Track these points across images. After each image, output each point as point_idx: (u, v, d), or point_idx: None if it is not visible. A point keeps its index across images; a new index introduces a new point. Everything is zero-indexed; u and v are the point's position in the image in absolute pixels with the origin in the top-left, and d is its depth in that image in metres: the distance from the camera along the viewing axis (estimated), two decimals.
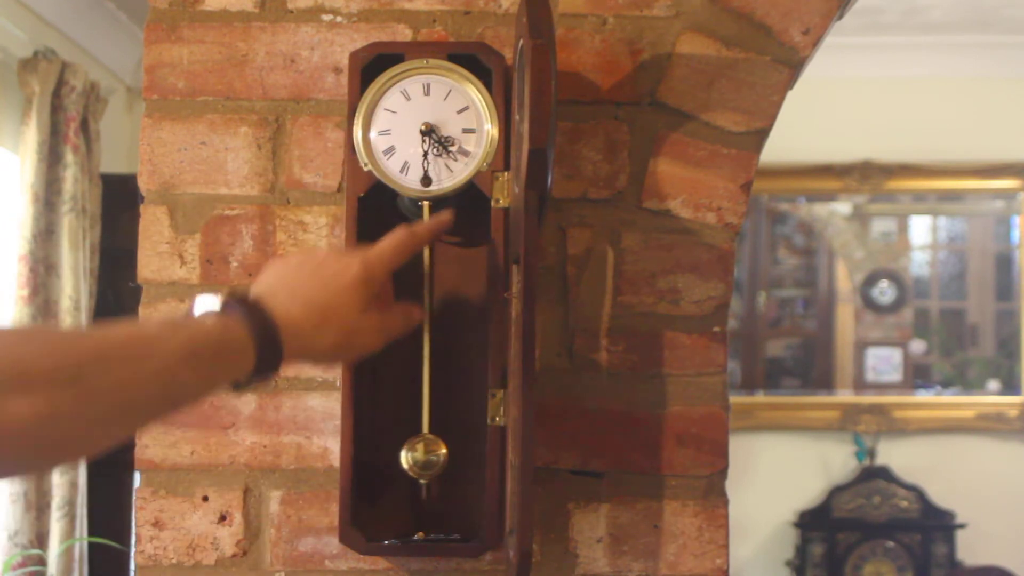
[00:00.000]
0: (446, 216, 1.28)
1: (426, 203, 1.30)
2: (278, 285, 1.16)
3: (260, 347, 1.08)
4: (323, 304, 1.15)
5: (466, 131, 1.32)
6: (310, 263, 1.19)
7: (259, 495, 1.38)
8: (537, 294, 1.27)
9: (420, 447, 1.30)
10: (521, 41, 1.25)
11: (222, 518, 1.38)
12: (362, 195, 1.32)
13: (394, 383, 1.34)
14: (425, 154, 1.31)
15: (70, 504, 3.67)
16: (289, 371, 1.39)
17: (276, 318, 1.11)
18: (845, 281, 5.57)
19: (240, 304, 1.10)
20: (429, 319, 1.32)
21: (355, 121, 1.32)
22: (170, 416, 1.11)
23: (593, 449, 1.38)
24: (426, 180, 1.31)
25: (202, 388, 1.06)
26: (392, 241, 1.23)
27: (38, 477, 3.38)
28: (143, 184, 1.42)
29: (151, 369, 0.99)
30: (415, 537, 1.33)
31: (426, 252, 1.31)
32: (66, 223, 3.91)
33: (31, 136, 3.81)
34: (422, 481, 1.31)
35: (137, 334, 1.01)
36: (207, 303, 1.10)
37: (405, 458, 1.30)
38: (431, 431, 1.31)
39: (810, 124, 4.74)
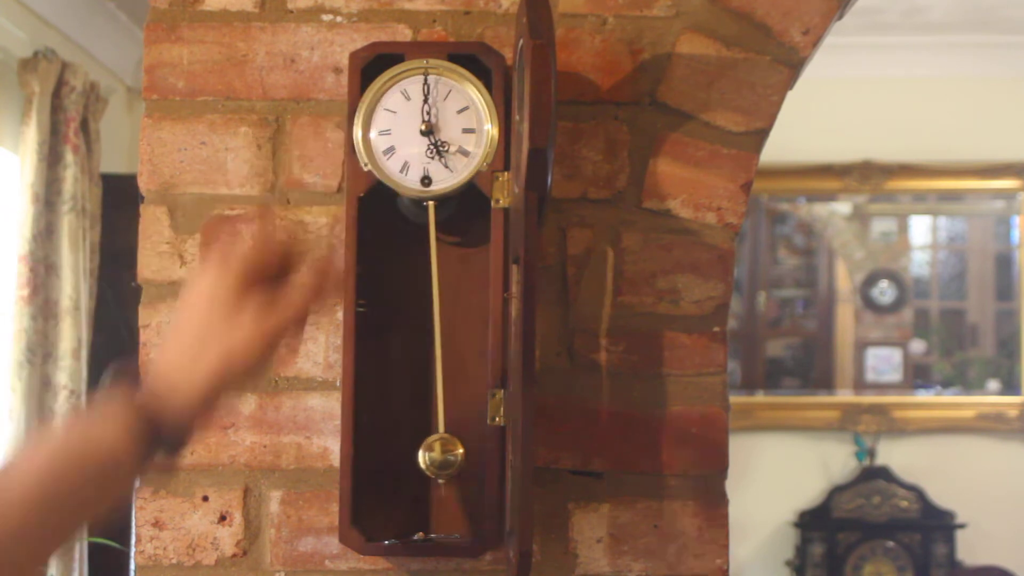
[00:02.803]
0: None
1: (431, 203, 1.30)
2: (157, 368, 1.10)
3: (135, 432, 1.01)
4: (182, 342, 1.07)
5: (466, 131, 1.32)
6: (175, 320, 1.14)
7: (259, 495, 1.38)
8: (537, 294, 1.27)
9: (437, 447, 1.30)
10: (521, 41, 1.25)
11: (222, 518, 1.38)
12: (362, 195, 1.32)
13: (394, 383, 1.34)
14: (427, 153, 1.30)
15: None
16: (289, 371, 1.39)
17: (153, 386, 1.05)
18: (845, 281, 5.57)
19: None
20: (430, 318, 1.32)
21: (355, 121, 1.32)
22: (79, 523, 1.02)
23: (593, 449, 1.38)
24: (426, 180, 1.31)
25: (85, 487, 0.99)
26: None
27: None
28: (143, 184, 1.42)
29: (18, 492, 0.96)
30: (415, 537, 1.33)
31: (433, 252, 1.31)
32: (66, 223, 3.91)
33: (31, 136, 3.81)
34: (440, 481, 1.31)
35: (13, 457, 0.99)
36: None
37: (423, 458, 1.30)
38: (429, 431, 1.31)
39: (810, 124, 4.74)
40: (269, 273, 1.09)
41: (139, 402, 1.03)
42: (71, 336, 3.92)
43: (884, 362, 5.49)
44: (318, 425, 1.38)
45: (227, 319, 1.07)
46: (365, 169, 1.31)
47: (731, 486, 1.39)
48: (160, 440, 1.02)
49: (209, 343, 1.06)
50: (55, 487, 0.97)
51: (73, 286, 3.91)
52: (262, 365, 1.09)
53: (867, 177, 5.27)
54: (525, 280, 1.18)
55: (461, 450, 1.29)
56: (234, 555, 1.38)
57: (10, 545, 0.95)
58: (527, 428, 1.18)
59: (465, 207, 1.34)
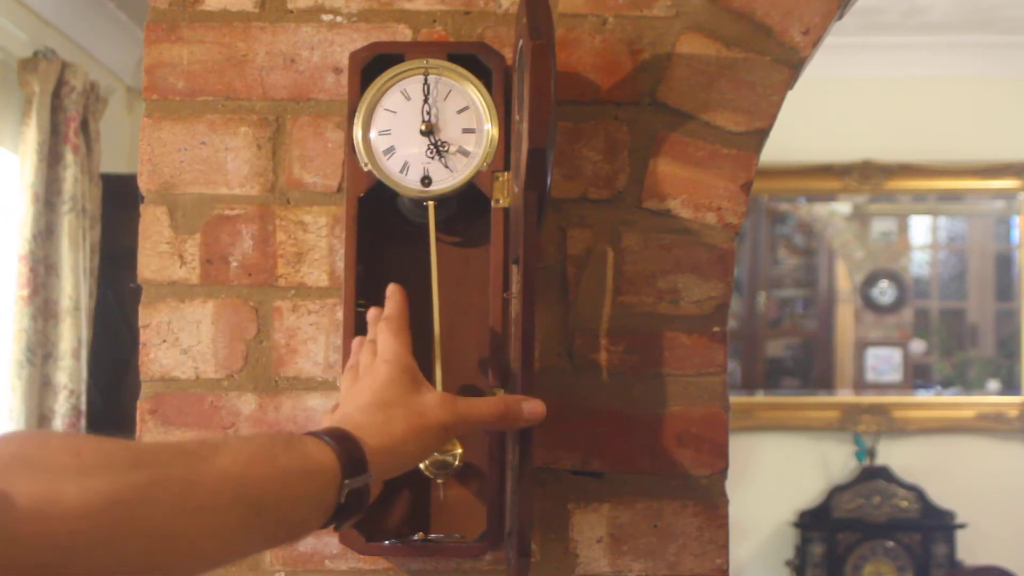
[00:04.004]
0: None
1: (431, 203, 1.30)
2: (334, 418, 1.13)
3: (333, 444, 1.02)
4: (376, 401, 1.11)
5: (466, 131, 1.32)
6: (348, 395, 1.18)
7: None
8: (537, 294, 1.27)
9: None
10: (521, 41, 1.25)
11: None
12: (362, 195, 1.32)
13: None
14: (427, 153, 1.30)
15: None
16: (289, 371, 1.39)
17: (339, 422, 1.08)
18: (845, 281, 5.57)
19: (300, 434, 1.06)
20: (429, 318, 1.32)
21: (355, 121, 1.32)
22: (255, 537, 0.97)
23: (593, 449, 1.38)
24: (426, 180, 1.31)
25: (282, 494, 0.97)
26: (389, 328, 1.19)
27: None
28: (143, 184, 1.42)
29: (218, 466, 0.92)
30: (415, 537, 1.33)
31: (433, 252, 1.31)
32: (66, 223, 3.91)
33: (31, 136, 3.81)
34: (439, 481, 1.31)
35: (203, 440, 0.98)
36: None
37: None
38: None
39: (810, 124, 4.74)
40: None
41: (344, 439, 1.04)
42: (71, 336, 3.92)
43: (884, 362, 5.49)
44: (318, 425, 1.38)
45: (408, 386, 1.13)
46: (365, 169, 1.31)
47: (731, 486, 1.39)
48: (359, 472, 1.03)
49: (396, 401, 1.11)
50: (254, 492, 0.95)
51: (73, 286, 3.92)
52: (448, 436, 1.15)
53: (867, 177, 5.27)
54: (525, 280, 1.18)
55: (460, 450, 1.29)
56: None
57: (200, 541, 0.91)
58: (526, 428, 1.18)
59: (465, 207, 1.34)
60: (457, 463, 1.29)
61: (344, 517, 1.03)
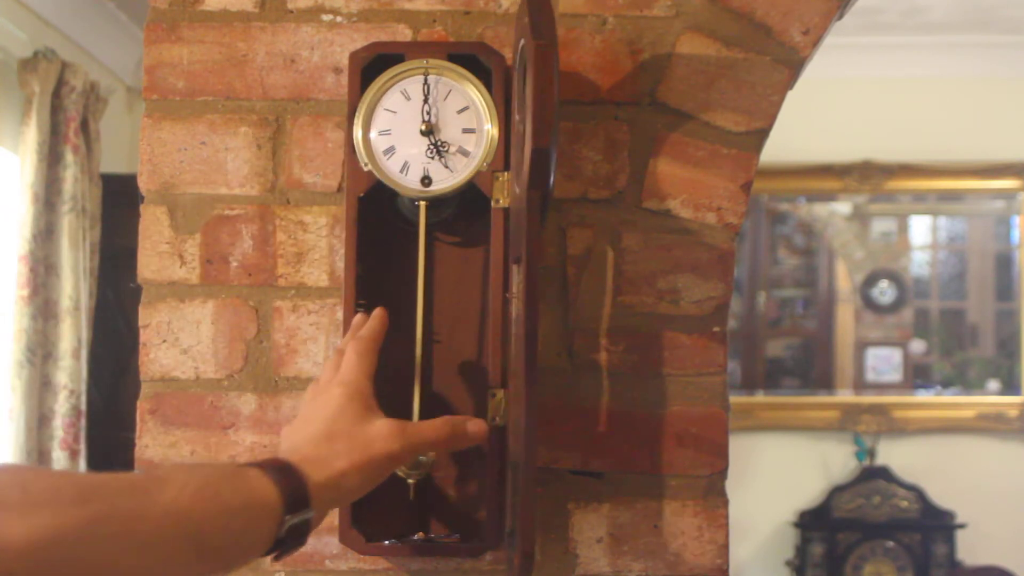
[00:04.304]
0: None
1: (422, 203, 1.30)
2: (282, 444, 1.15)
3: (277, 479, 1.03)
4: (324, 432, 1.12)
5: (466, 131, 1.32)
6: (303, 414, 1.18)
7: None
8: (539, 294, 1.27)
9: None
10: (522, 41, 1.25)
11: None
12: (362, 195, 1.32)
13: (395, 383, 1.34)
14: (427, 153, 1.30)
15: None
16: (289, 371, 1.39)
17: (288, 455, 1.08)
18: (845, 281, 5.57)
19: (248, 463, 1.06)
20: (426, 319, 1.32)
21: (355, 121, 1.32)
22: (196, 570, 0.98)
23: (593, 449, 1.38)
24: (426, 180, 1.31)
25: (224, 528, 0.98)
26: (355, 349, 1.20)
27: None
28: (143, 184, 1.42)
29: (162, 500, 0.93)
30: (415, 537, 1.33)
31: (421, 252, 1.31)
32: (66, 223, 3.91)
33: (31, 136, 3.81)
34: (410, 481, 1.31)
35: (149, 472, 0.99)
36: None
37: None
38: None
39: (810, 124, 4.74)
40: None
41: (289, 475, 1.04)
42: (71, 336, 3.92)
43: (884, 362, 5.49)
44: None
45: (358, 414, 1.13)
46: (365, 169, 1.31)
47: (731, 486, 1.39)
48: (301, 510, 1.03)
49: (343, 431, 1.11)
50: (197, 526, 0.95)
51: (73, 286, 3.92)
52: (396, 465, 1.16)
53: (867, 177, 5.27)
54: (527, 280, 1.18)
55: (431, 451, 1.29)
56: None
57: (144, 549, 0.92)
58: (530, 429, 1.18)
59: (465, 207, 1.34)
60: (428, 460, 1.29)
61: (285, 549, 1.05)
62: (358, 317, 1.28)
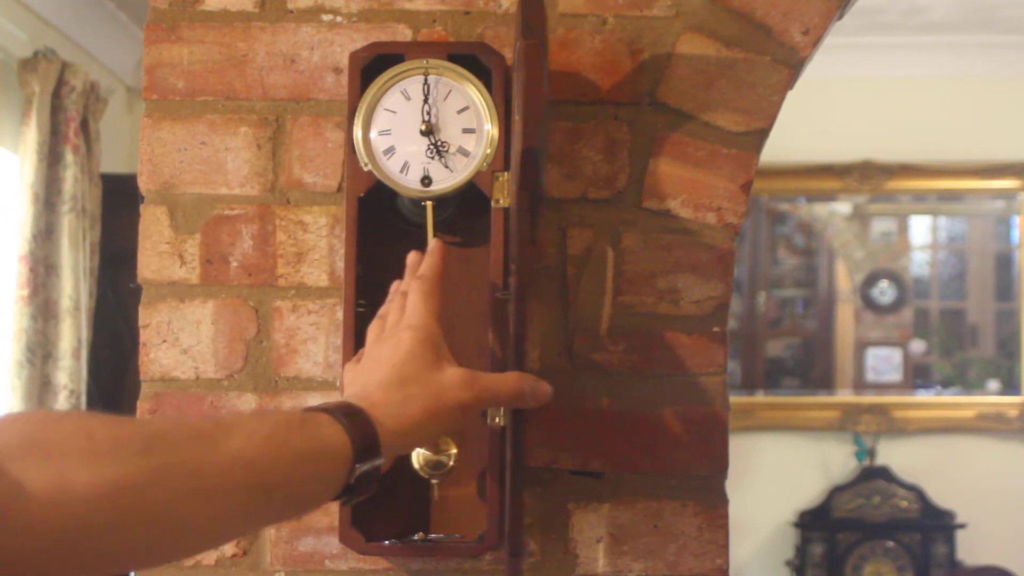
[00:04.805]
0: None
1: (429, 203, 1.30)
2: (350, 386, 1.12)
3: (348, 425, 1.00)
4: (394, 377, 1.09)
5: (466, 131, 1.32)
6: (370, 356, 1.15)
7: None
8: (528, 294, 1.27)
9: (431, 446, 1.29)
10: (519, 41, 1.25)
11: None
12: (362, 195, 1.32)
13: None
14: (427, 153, 1.30)
15: None
16: (289, 371, 1.39)
17: (357, 400, 1.05)
18: (845, 281, 5.57)
19: (317, 406, 1.04)
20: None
21: (355, 121, 1.32)
22: (263, 516, 0.99)
23: (593, 449, 1.38)
24: (426, 180, 1.31)
25: (292, 476, 0.96)
26: (420, 289, 1.16)
27: None
28: (143, 184, 1.42)
29: (229, 449, 0.92)
30: (415, 537, 1.33)
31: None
32: (66, 223, 3.91)
33: (31, 136, 3.81)
34: (433, 481, 1.31)
35: (214, 418, 0.98)
36: None
37: (416, 457, 1.30)
38: None
39: (810, 124, 4.74)
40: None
41: (359, 421, 1.02)
42: (71, 336, 3.92)
43: (884, 362, 5.50)
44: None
45: (431, 361, 1.10)
46: (365, 169, 1.31)
47: (731, 486, 1.39)
48: (371, 458, 1.01)
49: (415, 379, 1.08)
50: (265, 476, 0.94)
51: (73, 286, 3.92)
52: (465, 417, 1.13)
53: (867, 177, 5.27)
54: (517, 278, 1.17)
55: (455, 450, 1.29)
56: (234, 555, 1.38)
57: (208, 524, 0.92)
58: (517, 428, 1.18)
59: (465, 207, 1.34)
60: (452, 463, 1.29)
61: (352, 496, 1.03)
62: (412, 255, 1.24)
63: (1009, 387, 5.32)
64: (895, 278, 5.53)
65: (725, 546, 1.37)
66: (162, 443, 0.90)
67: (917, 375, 5.53)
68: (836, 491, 5.11)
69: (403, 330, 1.13)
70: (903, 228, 5.68)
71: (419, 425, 1.07)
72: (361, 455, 1.01)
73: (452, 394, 1.10)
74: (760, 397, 5.44)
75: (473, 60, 1.34)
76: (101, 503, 0.84)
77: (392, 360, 1.10)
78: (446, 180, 1.31)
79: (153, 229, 1.41)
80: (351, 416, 1.02)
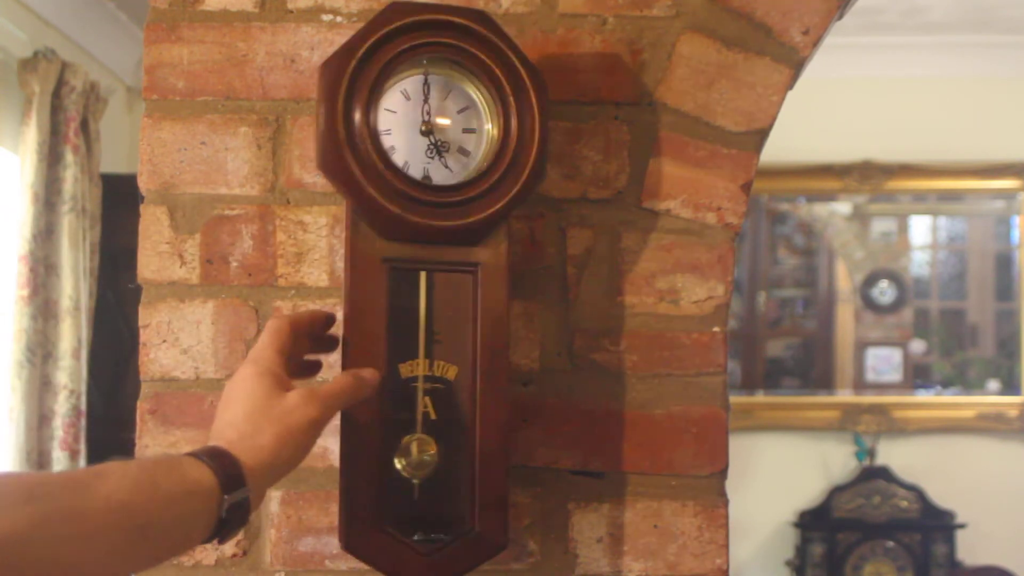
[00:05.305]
0: None
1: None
2: (212, 431, 1.17)
3: (211, 464, 1.06)
4: (241, 413, 1.14)
5: (466, 131, 1.31)
6: (223, 397, 1.19)
7: None
8: (511, 293, 1.26)
9: (413, 447, 1.29)
10: None
11: None
12: None
13: (394, 382, 1.34)
14: (427, 152, 1.30)
15: None
16: None
17: (213, 440, 1.11)
18: (845, 281, 5.57)
19: (181, 454, 1.09)
20: (427, 319, 1.32)
21: None
22: (143, 557, 1.02)
23: (593, 449, 1.38)
24: (426, 180, 1.30)
25: (165, 516, 1.01)
26: (268, 328, 1.22)
27: None
28: (143, 184, 1.42)
29: (102, 493, 0.96)
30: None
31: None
32: (66, 223, 3.91)
33: (31, 136, 3.81)
34: (415, 481, 1.30)
35: (89, 468, 1.01)
36: None
37: (398, 459, 1.29)
38: (429, 432, 1.30)
39: (810, 124, 4.74)
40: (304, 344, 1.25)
41: (219, 457, 1.07)
42: (71, 336, 3.92)
43: (884, 362, 5.49)
44: None
45: (268, 390, 1.15)
46: None
47: (731, 486, 1.39)
48: (237, 487, 1.06)
49: (262, 412, 1.13)
50: (139, 517, 0.98)
51: (73, 286, 3.92)
52: (315, 431, 1.17)
53: (867, 177, 5.27)
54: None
55: (434, 450, 1.28)
56: (234, 555, 1.38)
57: (91, 569, 0.95)
58: (347, 430, 1.22)
59: None
60: (433, 461, 1.28)
61: (228, 530, 1.07)
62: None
63: (1009, 387, 5.32)
64: (895, 278, 5.53)
65: (725, 546, 1.37)
66: (42, 491, 0.93)
67: (917, 375, 5.53)
68: (836, 491, 5.11)
69: (245, 367, 1.18)
70: (903, 228, 5.68)
71: (274, 453, 1.12)
72: (227, 486, 1.06)
73: (297, 414, 1.14)
74: (760, 397, 5.44)
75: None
76: None
77: (238, 398, 1.16)
78: (446, 180, 1.31)
79: (153, 229, 1.41)
80: (212, 456, 1.07)
